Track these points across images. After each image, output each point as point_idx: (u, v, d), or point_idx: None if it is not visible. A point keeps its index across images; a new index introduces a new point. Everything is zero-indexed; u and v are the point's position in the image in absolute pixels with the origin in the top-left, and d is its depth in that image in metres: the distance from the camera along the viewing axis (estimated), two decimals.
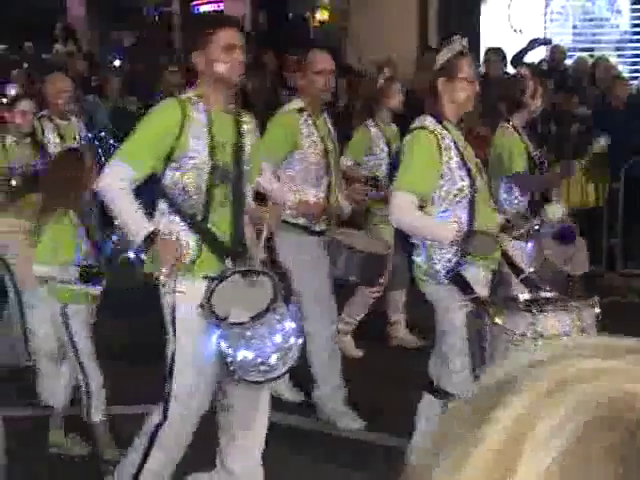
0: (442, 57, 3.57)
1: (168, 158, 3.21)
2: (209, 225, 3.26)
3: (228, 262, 3.26)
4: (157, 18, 16.13)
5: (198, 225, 3.24)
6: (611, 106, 7.91)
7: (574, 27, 11.60)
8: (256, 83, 9.47)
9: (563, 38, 11.20)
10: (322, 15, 12.88)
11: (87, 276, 3.91)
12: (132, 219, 3.23)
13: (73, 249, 3.99)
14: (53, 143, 5.42)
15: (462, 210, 3.52)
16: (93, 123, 8.24)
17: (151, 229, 3.18)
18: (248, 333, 3.11)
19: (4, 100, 5.18)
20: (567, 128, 7.93)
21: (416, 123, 3.59)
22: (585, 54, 10.41)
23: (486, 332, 3.28)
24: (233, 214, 3.31)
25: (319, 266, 4.35)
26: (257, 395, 3.38)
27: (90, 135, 6.03)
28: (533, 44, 9.34)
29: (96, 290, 4.05)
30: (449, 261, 3.50)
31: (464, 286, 3.47)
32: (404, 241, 3.76)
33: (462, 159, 3.50)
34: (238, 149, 3.33)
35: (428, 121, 3.54)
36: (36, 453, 4.23)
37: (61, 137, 5.46)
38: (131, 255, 4.25)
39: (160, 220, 3.27)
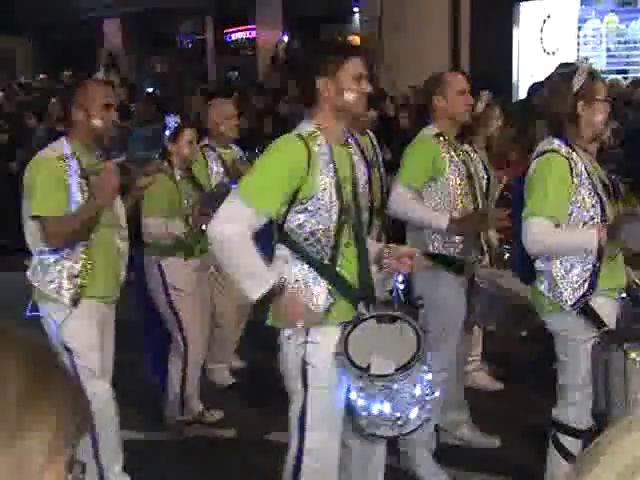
0: (578, 81, 3.43)
1: (292, 200, 2.95)
2: (338, 269, 3.02)
3: (361, 307, 3.04)
4: (190, 46, 16.38)
5: (327, 270, 3.01)
6: None
7: (608, 50, 11.56)
8: (292, 108, 9.58)
9: (597, 60, 11.17)
10: (353, 41, 12.98)
11: None
12: (253, 271, 2.93)
13: None
14: (217, 172, 5.12)
15: None
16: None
17: (273, 282, 2.91)
18: (395, 386, 2.86)
19: (167, 133, 4.79)
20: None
21: (545, 146, 3.39)
22: (619, 76, 10.36)
23: (614, 366, 3.10)
24: (358, 254, 3.08)
25: (454, 306, 4.07)
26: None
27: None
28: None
29: None
30: (576, 290, 3.29)
31: (593, 317, 3.26)
32: (525, 269, 3.50)
33: (593, 186, 3.32)
34: (355, 184, 3.14)
35: (557, 144, 3.35)
36: None
37: (224, 166, 5.13)
38: None
39: (282, 268, 3.01)
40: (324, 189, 2.96)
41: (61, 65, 14.07)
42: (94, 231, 3.67)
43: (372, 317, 3.00)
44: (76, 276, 3.64)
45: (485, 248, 4.23)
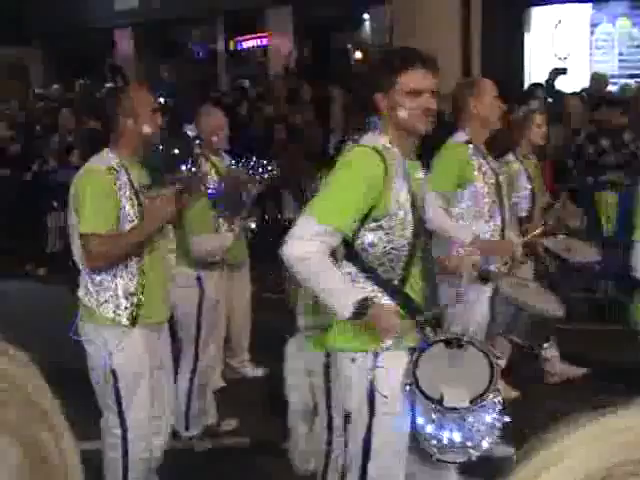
0: None
1: (365, 216, 2.80)
2: (407, 290, 2.89)
3: (428, 330, 2.91)
4: (202, 54, 16.43)
5: (396, 290, 2.86)
6: None
7: (620, 54, 11.51)
8: (300, 116, 9.58)
9: (609, 65, 11.12)
10: (362, 52, 12.99)
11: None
12: (339, 288, 2.78)
13: None
14: (212, 180, 5.08)
15: None
16: None
17: (361, 297, 2.75)
18: (469, 419, 2.74)
19: (196, 143, 4.73)
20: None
21: None
22: (631, 81, 10.31)
23: None
24: (426, 273, 2.94)
25: (477, 315, 4.01)
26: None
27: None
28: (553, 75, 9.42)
29: None
30: None
31: None
32: (625, 284, 3.47)
33: None
34: (420, 200, 2.97)
35: None
36: None
37: (218, 174, 5.10)
38: None
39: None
40: (400, 206, 2.82)
41: (74, 75, 14.15)
42: (147, 246, 3.52)
43: (441, 341, 2.86)
44: (132, 294, 3.47)
45: (508, 258, 4.19)
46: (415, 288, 2.91)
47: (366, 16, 13.52)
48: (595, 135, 7.58)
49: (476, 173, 4.07)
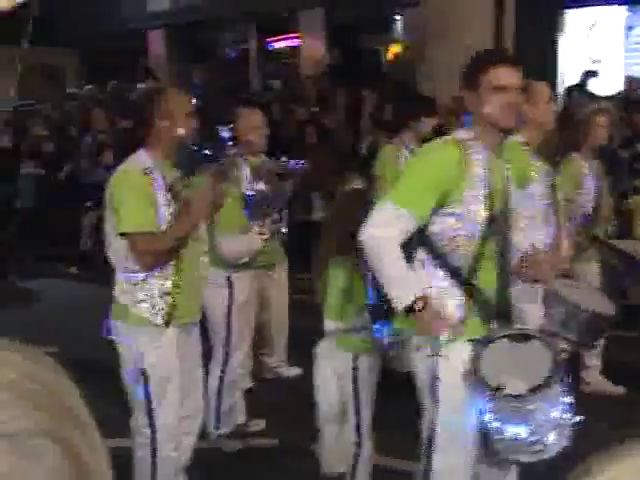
0: None
1: (440, 204, 2.89)
2: (476, 281, 2.93)
3: (493, 324, 2.95)
4: (233, 55, 16.50)
5: (465, 280, 2.92)
6: None
7: None
8: (330, 118, 9.58)
9: None
10: (394, 50, 12.96)
11: (378, 318, 3.51)
12: (401, 279, 2.87)
13: (363, 297, 3.58)
14: (249, 181, 5.07)
15: None
16: None
17: (420, 294, 2.82)
18: (530, 407, 2.75)
19: (229, 144, 4.74)
20: None
21: None
22: None
23: None
24: (500, 269, 2.97)
25: (529, 315, 4.05)
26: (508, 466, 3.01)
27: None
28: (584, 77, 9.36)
29: (385, 337, 3.63)
30: None
31: None
32: None
33: None
34: (507, 197, 3.03)
35: None
36: None
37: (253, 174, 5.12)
38: None
39: (419, 272, 2.95)
40: (473, 196, 2.90)
41: (107, 76, 14.28)
42: (184, 246, 3.53)
43: (506, 336, 2.87)
44: (167, 294, 3.48)
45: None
46: (487, 284, 2.94)
47: (397, 17, 13.49)
48: (630, 139, 7.49)
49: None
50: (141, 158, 3.52)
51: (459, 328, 2.86)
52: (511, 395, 2.73)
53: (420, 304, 2.79)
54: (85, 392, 0.68)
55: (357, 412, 3.69)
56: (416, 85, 11.16)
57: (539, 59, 11.57)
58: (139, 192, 3.40)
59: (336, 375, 3.74)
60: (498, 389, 2.73)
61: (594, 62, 11.26)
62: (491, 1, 10.71)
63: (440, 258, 2.91)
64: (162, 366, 3.51)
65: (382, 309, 3.51)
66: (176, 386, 3.57)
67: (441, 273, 2.91)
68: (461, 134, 3.02)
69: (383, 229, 2.85)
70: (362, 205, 3.59)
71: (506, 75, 2.94)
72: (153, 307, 3.46)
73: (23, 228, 10.46)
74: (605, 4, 11.66)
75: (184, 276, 3.53)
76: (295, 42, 14.63)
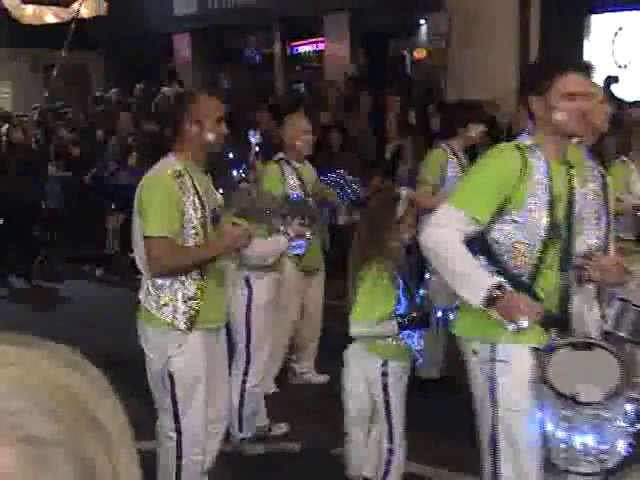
0: None
1: (501, 210, 2.87)
2: (536, 289, 2.89)
3: (553, 332, 2.90)
4: (258, 59, 16.56)
5: (525, 288, 2.86)
6: None
7: None
8: (357, 124, 9.60)
9: None
10: (419, 54, 12.95)
11: (410, 322, 3.56)
12: (472, 273, 2.82)
13: (391, 302, 3.60)
14: (293, 186, 5.17)
15: None
16: None
17: (496, 281, 2.77)
18: (606, 414, 2.69)
19: (254, 151, 4.74)
20: None
21: None
22: None
23: None
24: (561, 276, 2.93)
25: (583, 315, 3.97)
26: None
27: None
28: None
29: (416, 344, 3.67)
30: None
31: None
32: None
33: None
34: (570, 204, 2.99)
35: None
36: None
37: (300, 180, 5.18)
38: (439, 314, 3.62)
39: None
40: (535, 202, 2.87)
41: (133, 79, 14.38)
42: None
43: (571, 344, 2.82)
44: (191, 298, 3.47)
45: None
46: (548, 291, 2.90)
47: (422, 22, 13.48)
48: None
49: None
50: (171, 162, 3.52)
51: (540, 311, 2.79)
52: (588, 403, 2.68)
53: (498, 292, 2.73)
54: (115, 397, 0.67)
55: (389, 418, 3.66)
56: (440, 90, 11.16)
57: None
58: (167, 197, 3.41)
59: (365, 379, 3.73)
60: (572, 398, 2.68)
61: (620, 67, 11.19)
62: (516, 6, 10.68)
63: (500, 265, 2.88)
64: (189, 370, 3.51)
65: (412, 316, 3.54)
66: (203, 390, 3.56)
67: (501, 279, 2.84)
68: (524, 140, 2.98)
69: (443, 229, 2.84)
70: (393, 210, 3.63)
71: (577, 82, 2.91)
72: (176, 311, 3.46)
73: (49, 230, 10.58)
74: (632, 9, 11.58)
75: (209, 281, 3.53)
76: (320, 46, 14.66)
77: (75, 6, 11.96)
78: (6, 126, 11.04)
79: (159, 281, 3.47)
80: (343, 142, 8.55)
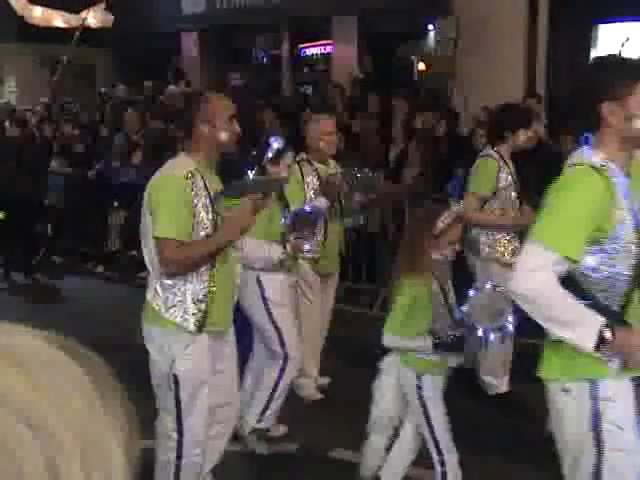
0: None
1: (591, 241, 2.64)
2: (627, 318, 2.71)
3: None
4: (265, 60, 16.57)
5: (616, 318, 2.67)
6: None
7: None
8: (363, 125, 9.58)
9: None
10: (427, 59, 12.94)
11: (444, 345, 3.49)
12: (580, 317, 2.58)
13: (429, 317, 3.54)
14: (313, 188, 5.08)
15: None
16: None
17: (603, 321, 2.55)
18: None
19: (269, 155, 4.56)
20: None
21: None
22: None
23: None
24: None
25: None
26: None
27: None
28: None
29: (455, 359, 3.62)
30: None
31: None
32: None
33: None
34: None
35: None
36: None
37: (320, 180, 5.08)
38: (479, 333, 3.48)
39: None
40: (624, 229, 2.64)
41: (140, 76, 14.38)
42: (220, 254, 3.47)
43: None
44: (200, 300, 3.44)
45: None
46: (635, 316, 2.72)
47: (430, 27, 13.48)
48: None
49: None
50: (184, 162, 3.48)
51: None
52: None
53: (608, 332, 2.54)
54: None
55: (432, 432, 3.60)
56: (447, 95, 11.16)
57: (571, 74, 11.51)
58: (178, 197, 3.37)
59: (396, 388, 3.68)
60: None
61: None
62: (524, 14, 10.68)
63: (589, 298, 2.66)
64: (194, 372, 3.48)
65: (450, 338, 3.44)
66: (206, 392, 3.54)
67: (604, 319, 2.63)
68: (593, 157, 2.69)
69: (539, 273, 2.57)
70: (433, 224, 3.55)
71: None
72: (185, 312, 3.43)
73: (51, 226, 10.56)
74: (639, 20, 11.57)
75: (219, 283, 3.50)
76: (328, 49, 14.66)
77: (83, 14, 12.12)
78: (7, 122, 11.05)
79: (168, 282, 3.43)
80: (348, 144, 8.54)
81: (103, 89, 15.08)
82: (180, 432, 3.54)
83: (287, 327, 4.64)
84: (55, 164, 10.80)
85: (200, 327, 3.45)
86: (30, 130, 11.25)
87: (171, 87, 13.82)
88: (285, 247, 4.47)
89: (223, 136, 3.52)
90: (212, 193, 3.48)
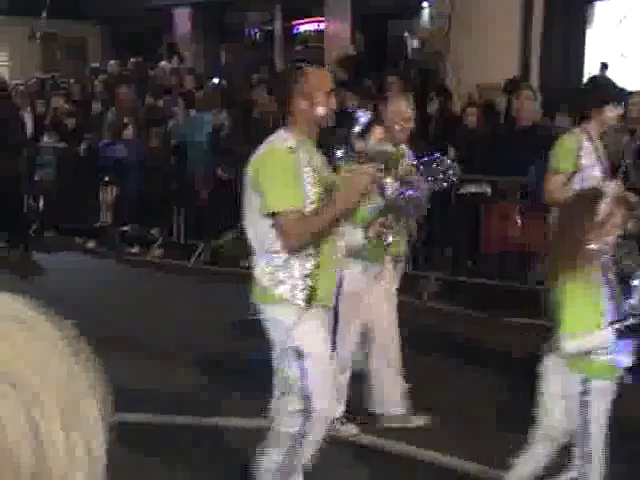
0: None
1: None
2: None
3: None
4: (257, 36, 16.46)
5: None
6: None
7: None
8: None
9: None
10: (420, 37, 12.88)
11: (626, 331, 3.19)
12: None
13: (598, 311, 3.25)
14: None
15: None
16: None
17: None
18: None
19: (356, 129, 4.44)
20: None
21: None
22: None
23: None
24: None
25: None
26: None
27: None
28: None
29: (628, 358, 3.32)
30: None
31: None
32: None
33: None
34: None
35: None
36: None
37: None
38: None
39: None
40: None
41: (130, 52, 14.27)
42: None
43: None
44: (308, 275, 3.40)
45: None
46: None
47: (424, 5, 13.39)
48: None
49: None
50: (284, 138, 3.42)
51: None
52: None
53: None
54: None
55: (585, 442, 3.35)
56: (440, 73, 11.09)
57: (565, 53, 11.47)
58: (287, 170, 3.31)
59: (564, 397, 3.44)
60: None
61: (623, 56, 11.13)
62: None
63: None
64: (313, 341, 3.43)
65: (630, 322, 3.21)
66: (330, 367, 3.48)
67: None
68: None
69: None
70: (594, 210, 3.27)
71: None
72: (294, 288, 3.39)
73: (42, 200, 10.51)
74: None
75: (324, 258, 3.45)
76: (320, 26, 14.57)
77: None
78: None
79: (276, 259, 3.39)
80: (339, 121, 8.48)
81: (94, 64, 14.96)
82: (307, 410, 3.45)
83: (344, 319, 4.25)
84: (45, 139, 10.71)
85: (309, 301, 3.40)
86: (9, 102, 11.03)
87: (163, 63, 13.71)
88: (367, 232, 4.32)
89: (321, 111, 3.45)
90: (316, 166, 3.42)
